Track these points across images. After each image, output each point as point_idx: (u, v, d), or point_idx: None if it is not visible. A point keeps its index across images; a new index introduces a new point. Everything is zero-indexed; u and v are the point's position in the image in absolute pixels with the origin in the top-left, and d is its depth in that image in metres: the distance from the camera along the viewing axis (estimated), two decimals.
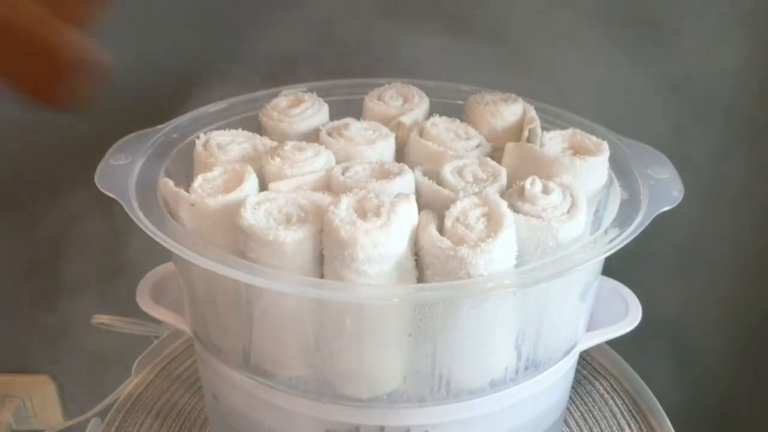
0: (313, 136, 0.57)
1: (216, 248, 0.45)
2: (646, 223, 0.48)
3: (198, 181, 0.50)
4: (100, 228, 0.86)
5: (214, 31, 0.76)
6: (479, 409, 0.49)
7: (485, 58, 0.74)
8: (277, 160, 0.52)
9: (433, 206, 0.48)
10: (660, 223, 0.49)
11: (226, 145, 0.55)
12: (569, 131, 0.56)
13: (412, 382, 0.48)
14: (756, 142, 0.78)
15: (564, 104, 0.62)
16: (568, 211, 0.48)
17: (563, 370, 0.54)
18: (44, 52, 0.35)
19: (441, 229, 0.46)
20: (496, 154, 0.56)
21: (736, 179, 0.80)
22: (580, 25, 0.73)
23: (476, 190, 0.49)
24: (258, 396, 0.50)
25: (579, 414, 0.67)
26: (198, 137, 0.56)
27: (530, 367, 0.50)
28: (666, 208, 0.50)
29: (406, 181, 0.50)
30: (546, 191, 0.49)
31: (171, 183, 0.50)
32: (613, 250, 0.46)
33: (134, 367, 0.71)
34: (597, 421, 0.66)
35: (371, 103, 0.61)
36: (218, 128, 0.58)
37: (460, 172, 0.52)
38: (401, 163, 0.52)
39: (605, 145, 0.54)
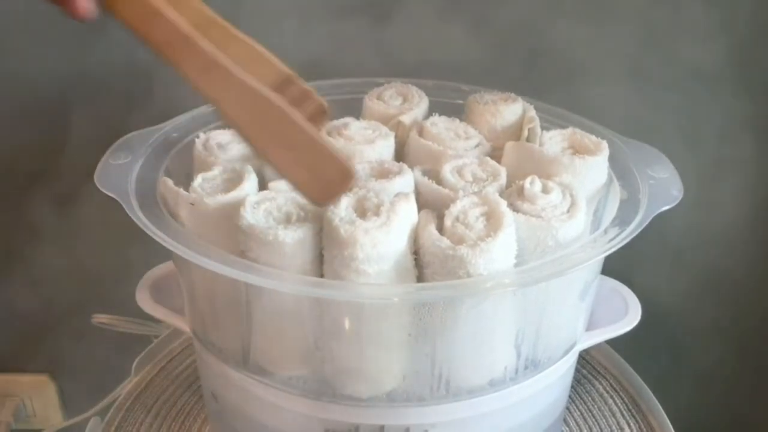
0: None
1: (215, 247, 0.45)
2: (646, 223, 0.48)
3: (198, 181, 0.50)
4: (99, 227, 0.87)
5: None
6: (479, 409, 0.49)
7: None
8: None
9: (432, 205, 0.48)
10: (660, 222, 0.49)
11: (226, 144, 0.55)
12: (569, 130, 0.56)
13: (411, 382, 0.48)
14: (758, 140, 0.77)
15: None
16: (568, 211, 0.48)
17: (563, 370, 0.54)
18: None
19: (441, 229, 0.46)
20: (495, 153, 0.56)
21: (737, 177, 0.80)
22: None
23: (476, 189, 0.49)
24: (257, 395, 0.50)
25: (579, 413, 0.67)
26: (198, 136, 0.56)
27: (530, 366, 0.50)
28: (665, 208, 0.50)
29: (406, 180, 0.50)
30: (545, 190, 0.49)
31: (171, 182, 0.50)
32: (612, 250, 0.46)
33: (134, 366, 0.71)
34: (597, 420, 0.66)
35: (371, 102, 0.61)
36: (218, 127, 0.58)
37: (459, 171, 0.52)
38: (401, 163, 0.52)
39: (605, 145, 0.54)
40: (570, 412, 0.66)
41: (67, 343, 0.97)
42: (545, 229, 0.46)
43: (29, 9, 0.76)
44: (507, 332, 0.48)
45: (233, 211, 0.46)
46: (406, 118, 0.59)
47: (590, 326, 0.56)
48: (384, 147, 0.56)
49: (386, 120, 0.59)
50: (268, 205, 0.47)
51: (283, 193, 0.48)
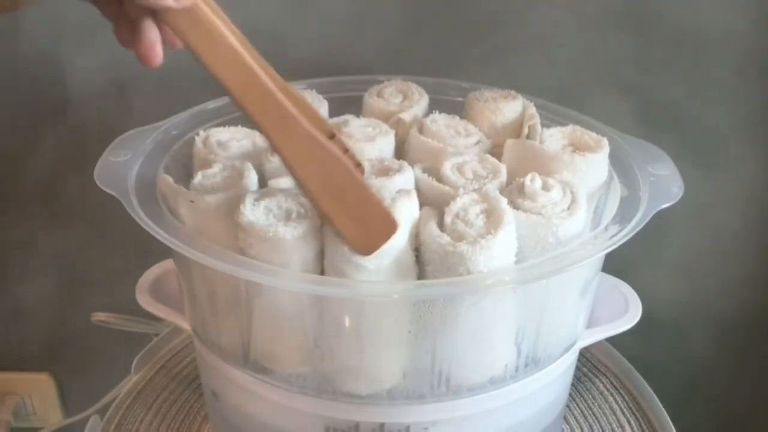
0: None
1: (215, 245, 0.45)
2: (646, 220, 0.48)
3: (197, 178, 0.50)
4: (98, 225, 0.87)
5: None
6: (479, 406, 0.49)
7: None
8: (277, 157, 0.52)
9: (433, 203, 0.48)
10: (660, 219, 0.49)
11: (226, 141, 0.55)
12: (569, 128, 0.56)
13: (411, 379, 0.48)
14: (760, 135, 0.77)
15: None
16: (568, 208, 0.48)
17: (563, 367, 0.54)
18: None
19: (441, 226, 0.46)
20: (495, 150, 0.56)
21: (738, 175, 0.80)
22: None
23: (476, 186, 0.49)
24: (257, 393, 0.50)
25: (579, 411, 0.66)
26: (197, 134, 0.56)
27: (530, 364, 0.50)
28: (666, 205, 0.50)
29: (406, 177, 0.50)
30: (546, 188, 0.49)
31: (170, 180, 0.50)
32: (613, 247, 0.46)
33: (134, 364, 0.70)
34: (597, 418, 0.66)
35: (371, 99, 0.61)
36: (218, 125, 0.58)
37: (460, 168, 0.52)
38: (401, 160, 0.52)
39: (605, 142, 0.54)
40: (570, 410, 0.66)
41: (66, 341, 0.97)
42: (546, 226, 0.46)
43: None
44: (507, 330, 0.48)
45: (233, 208, 0.46)
46: (407, 116, 0.59)
47: (590, 324, 0.56)
48: (384, 144, 0.55)
49: (386, 117, 0.59)
50: (267, 202, 0.47)
51: (282, 190, 0.48)
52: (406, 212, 0.45)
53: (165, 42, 0.42)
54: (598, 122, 0.59)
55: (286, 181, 0.50)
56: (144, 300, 0.59)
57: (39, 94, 0.81)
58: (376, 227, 0.44)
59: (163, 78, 0.78)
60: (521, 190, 0.49)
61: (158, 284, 0.60)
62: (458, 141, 0.56)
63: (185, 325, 0.57)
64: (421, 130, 0.57)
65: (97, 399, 0.83)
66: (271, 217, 0.46)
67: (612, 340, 0.65)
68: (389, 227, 0.44)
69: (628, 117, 0.75)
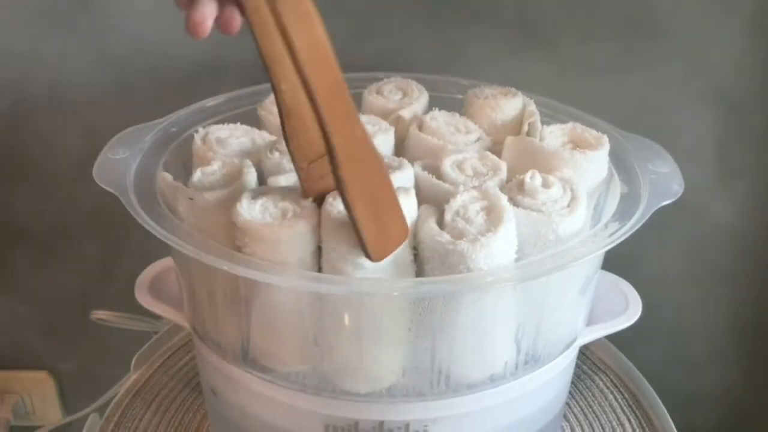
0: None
1: (214, 243, 0.45)
2: (647, 217, 0.48)
3: (196, 176, 0.50)
4: (98, 223, 0.86)
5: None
6: (479, 404, 0.49)
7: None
8: (276, 154, 0.52)
9: (432, 200, 0.48)
10: (660, 217, 0.49)
11: (225, 139, 0.55)
12: (569, 125, 0.56)
13: (411, 377, 0.48)
14: (761, 137, 0.77)
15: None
16: (568, 205, 0.48)
17: (563, 365, 0.54)
18: None
19: (441, 224, 0.45)
20: (495, 148, 0.56)
21: (739, 173, 0.80)
22: None
23: (476, 184, 0.49)
24: (257, 391, 0.50)
25: (579, 409, 0.66)
26: (197, 131, 0.56)
27: (530, 361, 0.50)
28: (666, 202, 0.50)
29: (406, 175, 0.50)
30: (546, 185, 0.49)
31: (169, 177, 0.50)
32: (613, 244, 0.46)
33: (133, 362, 0.70)
34: (597, 416, 0.66)
35: (370, 97, 0.61)
36: (217, 122, 0.58)
37: (460, 166, 0.51)
38: (400, 158, 0.52)
39: (605, 139, 0.54)
40: (570, 408, 0.66)
41: (66, 339, 0.97)
42: (546, 223, 0.46)
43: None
44: (507, 327, 0.48)
45: (232, 205, 0.46)
46: (406, 113, 0.59)
47: (590, 321, 0.56)
48: (384, 142, 0.55)
49: (386, 114, 0.59)
50: (264, 200, 0.46)
51: (280, 188, 0.48)
52: (405, 211, 0.45)
53: (217, 23, 0.41)
54: (598, 119, 0.59)
55: (284, 179, 0.50)
56: (143, 298, 0.59)
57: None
58: (393, 235, 0.44)
59: (163, 76, 0.78)
60: (521, 187, 0.49)
61: (157, 282, 0.60)
62: (458, 138, 0.56)
63: (184, 323, 0.57)
64: (420, 128, 0.57)
65: (96, 397, 0.83)
66: (267, 216, 0.45)
67: (612, 338, 0.65)
68: (403, 234, 0.44)
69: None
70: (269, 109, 0.59)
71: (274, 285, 0.45)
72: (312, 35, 0.39)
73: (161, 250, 0.55)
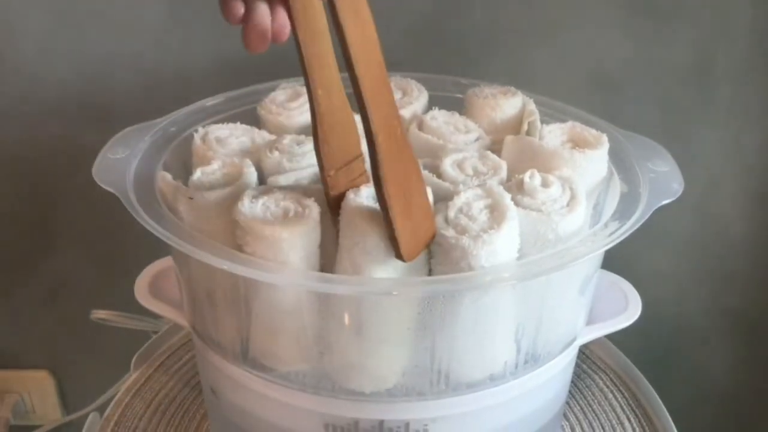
0: (311, 130, 0.57)
1: (214, 242, 0.45)
2: (646, 216, 0.48)
3: (196, 175, 0.50)
4: (98, 222, 0.86)
5: (212, 25, 0.76)
6: (479, 403, 0.49)
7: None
8: (276, 153, 0.52)
9: (433, 199, 0.48)
10: (661, 216, 0.49)
11: (225, 138, 0.55)
12: (568, 124, 0.56)
13: (411, 376, 0.48)
14: (761, 137, 0.77)
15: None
16: (568, 204, 0.48)
17: (563, 364, 0.54)
18: None
19: (444, 221, 0.46)
20: (495, 147, 0.56)
21: (739, 172, 0.80)
22: None
23: (477, 183, 0.49)
24: (256, 390, 0.50)
25: (579, 408, 0.66)
26: (196, 131, 0.56)
27: (530, 360, 0.50)
28: (666, 201, 0.50)
29: None
30: (545, 184, 0.49)
31: (169, 176, 0.50)
32: (612, 244, 0.46)
33: (133, 361, 0.70)
34: (597, 415, 0.66)
35: None
36: (216, 122, 0.58)
37: (460, 165, 0.51)
38: None
39: (605, 138, 0.54)
40: (570, 407, 0.66)
41: (66, 338, 0.97)
42: (545, 222, 0.46)
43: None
44: (507, 327, 0.48)
45: (232, 205, 0.46)
46: (406, 112, 0.59)
47: (590, 321, 0.56)
48: None
49: None
50: (265, 199, 0.46)
51: (281, 187, 0.48)
52: None
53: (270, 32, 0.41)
54: (597, 118, 0.59)
55: (284, 179, 0.50)
56: (143, 297, 0.59)
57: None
58: (423, 234, 0.44)
59: (162, 75, 0.78)
60: (520, 186, 0.49)
61: (157, 282, 0.60)
62: (458, 137, 0.56)
63: (184, 323, 0.57)
64: (420, 127, 0.57)
65: (96, 396, 0.83)
66: (269, 215, 0.46)
67: (612, 337, 0.65)
68: (430, 234, 0.44)
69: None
70: (269, 109, 0.59)
71: (275, 284, 0.45)
72: (364, 31, 0.39)
73: (161, 249, 0.56)
